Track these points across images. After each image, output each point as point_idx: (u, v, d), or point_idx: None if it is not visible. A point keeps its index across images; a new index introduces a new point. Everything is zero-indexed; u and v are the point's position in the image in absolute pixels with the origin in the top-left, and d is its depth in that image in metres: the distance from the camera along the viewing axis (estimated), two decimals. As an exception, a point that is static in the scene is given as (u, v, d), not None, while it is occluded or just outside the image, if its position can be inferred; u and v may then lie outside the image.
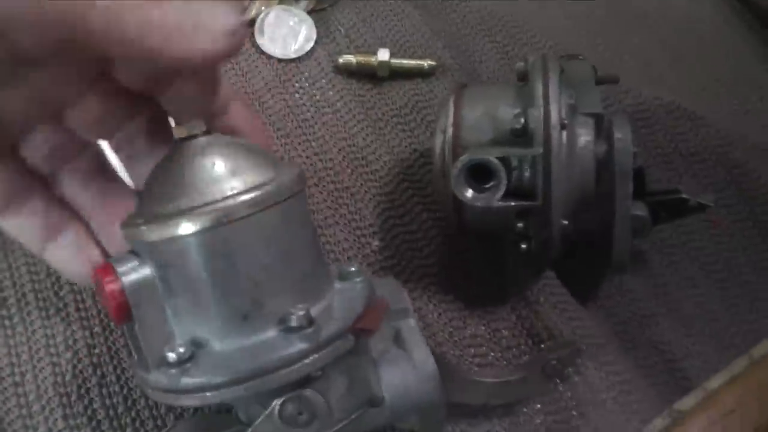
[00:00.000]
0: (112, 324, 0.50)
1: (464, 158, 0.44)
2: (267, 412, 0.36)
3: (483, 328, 0.51)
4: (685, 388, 0.51)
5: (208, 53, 0.29)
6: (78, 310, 0.50)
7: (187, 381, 0.34)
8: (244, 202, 0.34)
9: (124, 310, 0.35)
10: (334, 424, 0.38)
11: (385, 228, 0.54)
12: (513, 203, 0.44)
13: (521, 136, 0.45)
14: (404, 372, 0.40)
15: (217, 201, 0.34)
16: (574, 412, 0.48)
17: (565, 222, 0.45)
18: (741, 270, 0.56)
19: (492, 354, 0.50)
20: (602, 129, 0.48)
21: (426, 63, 0.59)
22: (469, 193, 0.44)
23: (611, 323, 0.53)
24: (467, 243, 0.53)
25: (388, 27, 0.63)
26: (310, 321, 0.35)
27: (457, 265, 0.52)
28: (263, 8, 0.62)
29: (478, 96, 0.48)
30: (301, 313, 0.35)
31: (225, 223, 0.34)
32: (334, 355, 0.36)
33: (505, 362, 0.50)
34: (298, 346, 0.34)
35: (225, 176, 0.35)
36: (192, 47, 0.29)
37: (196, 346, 0.35)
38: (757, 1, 0.69)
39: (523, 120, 0.44)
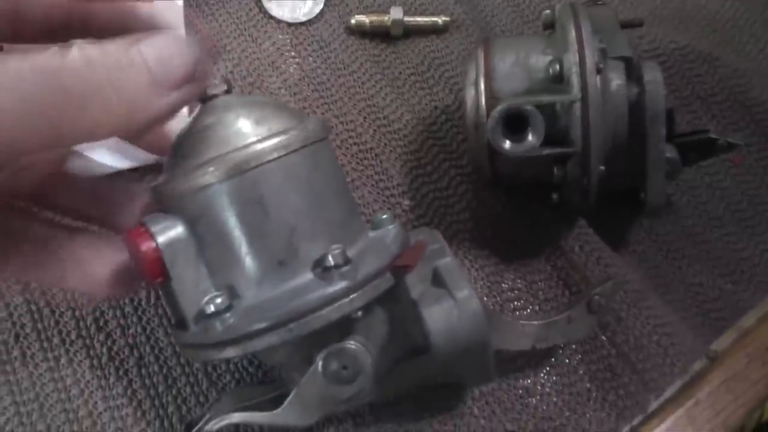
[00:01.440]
0: (143, 303, 0.49)
1: (500, 108, 0.43)
2: (311, 370, 0.36)
3: (520, 281, 0.51)
4: (720, 328, 0.52)
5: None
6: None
7: (227, 330, 0.34)
8: (270, 146, 0.35)
9: (160, 269, 0.35)
10: (381, 378, 0.38)
11: (414, 187, 0.53)
12: (552, 150, 0.44)
13: (558, 82, 0.44)
14: (447, 310, 0.39)
15: (242, 148, 0.34)
16: (616, 359, 0.48)
17: (603, 167, 0.45)
18: (765, 207, 0.56)
19: (531, 307, 0.50)
20: (632, 73, 0.48)
21: (440, 19, 0.58)
22: (507, 143, 0.44)
23: (644, 268, 0.53)
24: (498, 197, 0.52)
25: (400, -14, 0.62)
26: (347, 260, 0.35)
27: (489, 219, 0.52)
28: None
29: (507, 46, 0.47)
30: (337, 251, 0.35)
31: (252, 168, 0.34)
32: (374, 294, 0.36)
33: (543, 314, 0.50)
34: (338, 284, 0.34)
35: (250, 126, 0.35)
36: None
37: (234, 296, 0.35)
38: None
39: (558, 66, 0.44)
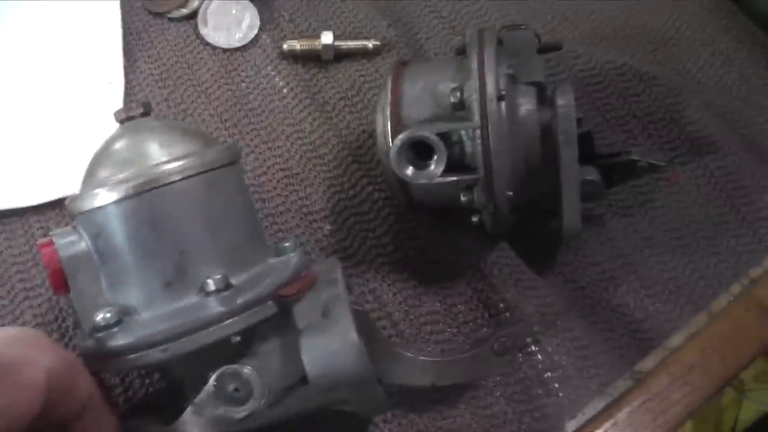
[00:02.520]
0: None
1: (402, 136, 0.43)
2: (204, 388, 0.37)
3: (439, 304, 0.51)
4: (646, 348, 0.51)
5: None
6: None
7: (111, 344, 0.36)
8: (167, 171, 0.36)
9: (60, 279, 0.37)
10: (274, 402, 0.38)
11: (336, 211, 0.53)
12: (454, 178, 0.44)
13: (460, 109, 0.44)
14: (326, 342, 0.38)
15: (141, 170, 0.36)
16: (534, 382, 0.48)
17: (510, 193, 0.45)
18: (698, 226, 0.55)
19: (449, 330, 0.50)
20: (546, 97, 0.48)
21: (370, 43, 0.59)
22: (410, 170, 0.44)
23: (569, 289, 0.53)
24: (419, 220, 0.52)
25: (332, 9, 0.62)
26: (227, 285, 0.36)
27: (410, 242, 0.52)
28: (206, -3, 0.62)
29: (417, 72, 0.48)
30: (218, 277, 0.36)
31: (147, 190, 0.36)
32: (252, 320, 0.37)
33: (462, 337, 0.50)
34: (214, 308, 0.36)
35: (153, 149, 0.37)
36: None
37: (125, 312, 0.37)
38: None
39: (459, 93, 0.44)
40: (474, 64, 0.44)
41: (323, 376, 0.38)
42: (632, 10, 0.65)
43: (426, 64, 0.49)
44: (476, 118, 0.43)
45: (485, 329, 0.50)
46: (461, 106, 0.44)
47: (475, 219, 0.49)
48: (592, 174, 0.49)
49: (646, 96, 0.60)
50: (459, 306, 0.51)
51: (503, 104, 0.44)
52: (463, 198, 0.46)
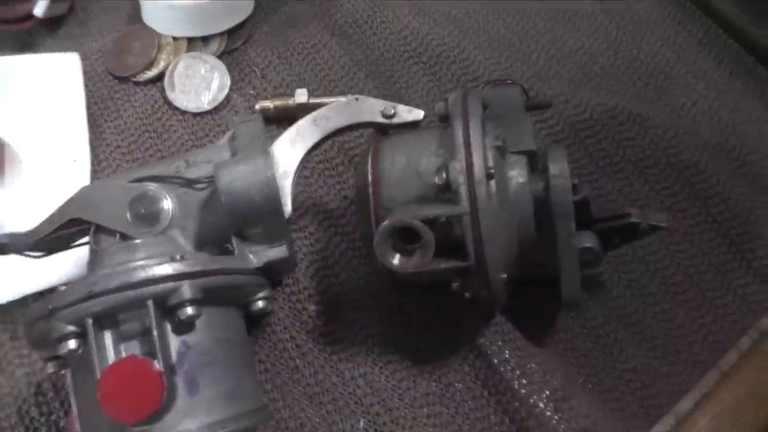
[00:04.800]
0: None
1: (385, 225, 0.40)
2: None
3: (435, 384, 0.48)
4: (656, 416, 0.49)
5: None
6: None
7: None
8: None
9: None
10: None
11: (320, 290, 0.50)
12: (443, 266, 0.41)
13: (447, 191, 0.41)
14: (239, 169, 0.41)
15: None
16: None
17: (505, 276, 0.42)
18: (702, 277, 0.53)
19: (447, 411, 0.47)
20: (537, 165, 0.45)
21: (347, 99, 0.55)
22: (396, 259, 0.41)
23: (573, 357, 0.50)
24: (409, 295, 0.49)
25: (305, 61, 0.59)
26: None
27: (401, 320, 0.49)
28: (171, 58, 0.58)
29: (398, 146, 0.44)
30: None
31: None
32: None
33: (461, 418, 0.47)
34: None
35: None
36: None
37: None
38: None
39: (445, 174, 0.41)
40: (459, 140, 0.41)
41: (233, 196, 0.40)
42: (620, 44, 0.62)
43: (407, 136, 0.46)
44: (464, 203, 0.40)
45: (485, 408, 0.47)
46: (447, 188, 0.41)
47: (468, 295, 0.46)
48: (590, 241, 0.46)
49: (640, 139, 0.57)
50: (456, 385, 0.48)
51: (493, 183, 0.41)
52: (455, 284, 0.43)
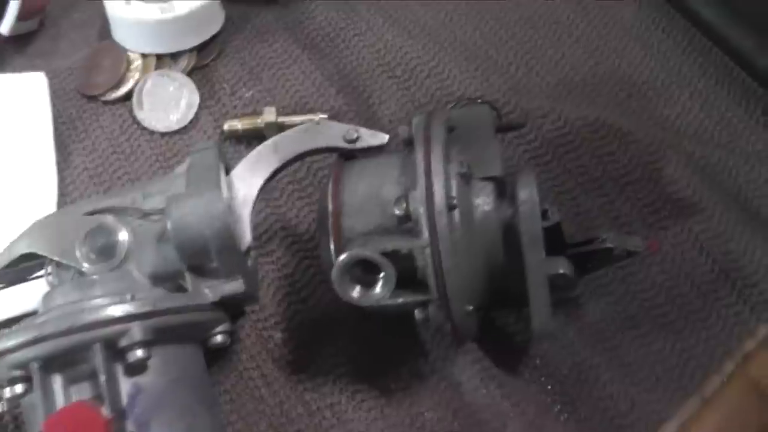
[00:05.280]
0: None
1: (343, 258, 0.39)
2: None
3: (404, 414, 0.47)
4: (634, 444, 0.47)
5: None
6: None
7: None
8: None
9: None
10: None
11: (287, 316, 0.49)
12: (404, 299, 0.40)
13: (406, 222, 0.40)
14: (189, 201, 0.40)
15: None
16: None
17: (471, 307, 0.41)
18: (684, 299, 0.51)
19: (418, 446, 0.46)
20: (505, 191, 0.44)
21: (317, 117, 0.54)
22: (356, 292, 0.40)
23: (547, 384, 0.48)
24: (378, 323, 0.48)
25: (276, 77, 0.58)
26: None
27: (369, 348, 0.48)
28: (140, 76, 0.57)
29: (360, 173, 0.43)
30: None
31: None
32: None
33: (433, 453, 0.46)
34: None
35: None
36: None
37: None
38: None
39: (405, 205, 0.39)
40: (420, 168, 0.39)
41: (183, 231, 0.40)
42: (601, 54, 0.61)
43: (369, 162, 0.44)
44: (425, 235, 0.38)
45: (455, 439, 0.46)
46: (408, 218, 0.39)
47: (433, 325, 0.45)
48: (563, 266, 0.44)
49: (621, 154, 0.55)
50: (426, 414, 0.47)
51: (456, 213, 0.40)
52: (418, 315, 0.41)
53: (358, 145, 0.45)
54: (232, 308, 0.44)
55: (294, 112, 0.55)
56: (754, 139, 0.57)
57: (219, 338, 0.42)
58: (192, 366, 0.41)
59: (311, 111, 0.55)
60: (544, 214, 0.43)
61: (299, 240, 0.51)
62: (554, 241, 0.44)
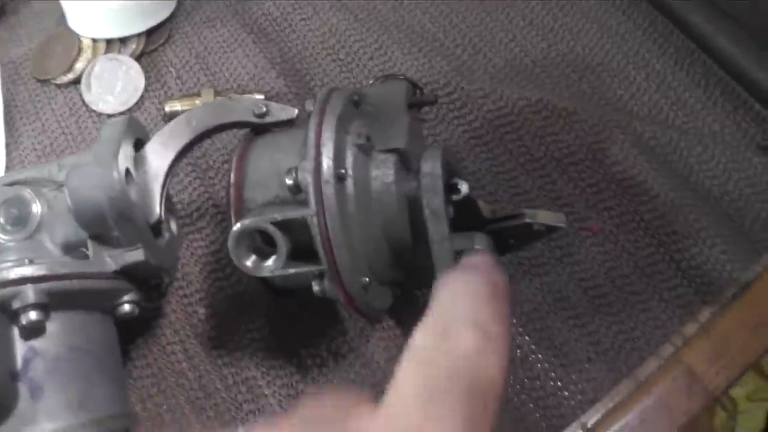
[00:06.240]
0: None
1: (236, 228, 0.39)
2: None
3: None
4: (559, 427, 0.46)
5: None
6: None
7: None
8: None
9: None
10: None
11: (211, 292, 0.49)
12: (295, 270, 0.39)
13: (298, 193, 0.40)
14: (87, 171, 0.40)
15: None
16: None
17: (367, 279, 0.41)
18: (625, 280, 0.50)
19: (332, 421, 0.46)
20: (411, 165, 0.43)
21: (255, 97, 0.54)
22: (250, 262, 0.40)
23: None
24: (295, 300, 0.48)
25: (221, 61, 0.58)
26: None
27: (289, 325, 0.48)
28: (90, 60, 0.58)
29: (265, 147, 0.43)
30: None
31: None
32: None
33: (346, 428, 0.45)
34: None
35: None
36: None
37: None
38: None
39: (295, 175, 0.39)
40: (310, 140, 0.39)
41: (79, 200, 0.40)
42: (556, 36, 0.59)
43: (275, 137, 0.44)
44: (312, 205, 0.38)
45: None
46: (298, 189, 0.39)
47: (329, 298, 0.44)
48: (480, 243, 0.43)
49: (565, 134, 0.54)
50: (343, 393, 0.46)
51: (349, 183, 0.39)
52: (315, 287, 0.41)
53: (268, 119, 0.45)
54: (144, 281, 0.44)
55: (236, 93, 0.56)
56: (710, 120, 0.55)
57: (126, 308, 0.43)
58: (97, 335, 0.42)
59: (249, 93, 0.55)
60: (453, 188, 0.42)
61: (228, 217, 0.51)
62: (470, 216, 0.43)
